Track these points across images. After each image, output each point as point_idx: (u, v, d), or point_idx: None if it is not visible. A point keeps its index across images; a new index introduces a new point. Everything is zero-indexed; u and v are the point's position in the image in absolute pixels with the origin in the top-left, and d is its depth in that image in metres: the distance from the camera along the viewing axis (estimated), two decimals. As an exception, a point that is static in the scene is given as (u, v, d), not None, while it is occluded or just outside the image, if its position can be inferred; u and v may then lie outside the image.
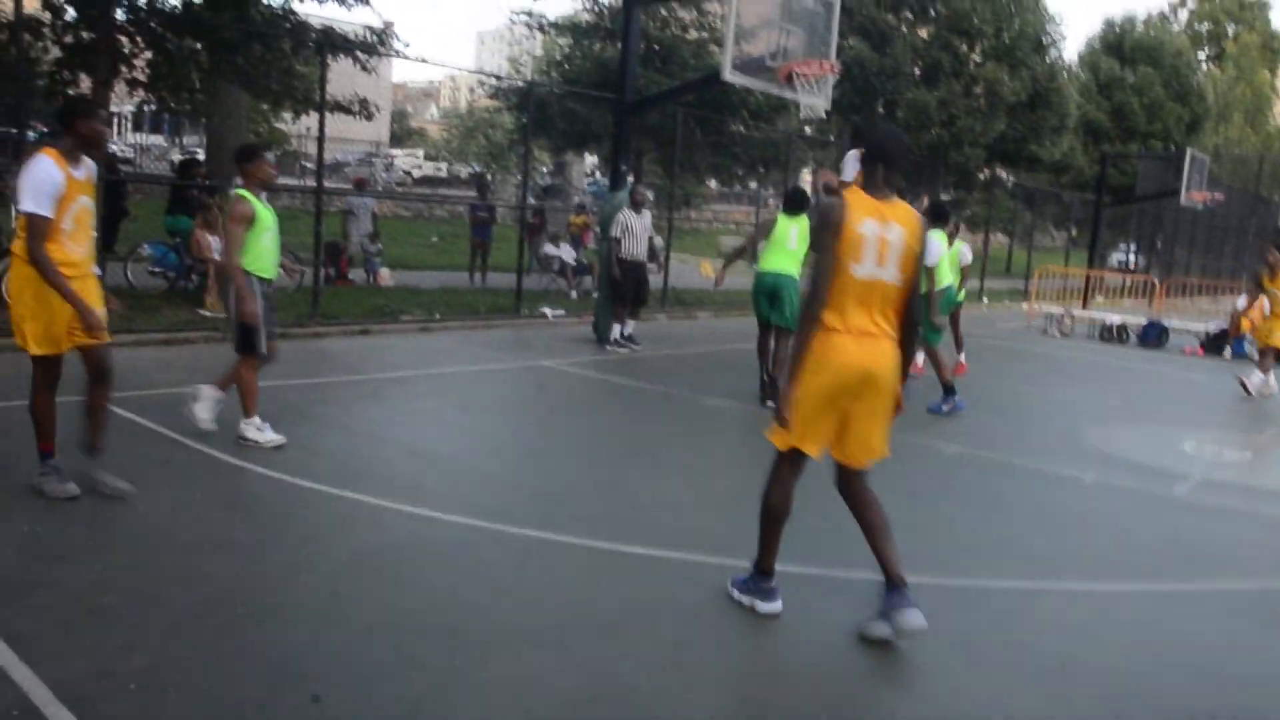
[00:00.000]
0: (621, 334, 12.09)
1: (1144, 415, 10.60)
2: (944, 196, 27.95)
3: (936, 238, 9.51)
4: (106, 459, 5.37)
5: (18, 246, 4.90)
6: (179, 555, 4.51)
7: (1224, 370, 15.31)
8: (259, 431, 6.46)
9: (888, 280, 4.09)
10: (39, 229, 4.79)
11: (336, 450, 6.57)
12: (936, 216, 9.97)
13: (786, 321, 8.82)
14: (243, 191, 6.36)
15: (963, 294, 11.70)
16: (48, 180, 4.80)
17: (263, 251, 6.44)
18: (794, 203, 9.41)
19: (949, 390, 9.62)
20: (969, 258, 11.57)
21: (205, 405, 6.57)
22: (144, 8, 11.13)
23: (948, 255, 10.53)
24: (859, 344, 4.07)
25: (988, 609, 4.76)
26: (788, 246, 9.14)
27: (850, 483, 4.43)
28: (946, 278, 10.15)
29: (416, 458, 6.61)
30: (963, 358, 11.85)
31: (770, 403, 8.94)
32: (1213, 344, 17.28)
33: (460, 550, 4.92)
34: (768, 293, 9.13)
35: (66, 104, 5.15)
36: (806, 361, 4.07)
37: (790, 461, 4.34)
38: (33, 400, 5.21)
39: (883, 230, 4.05)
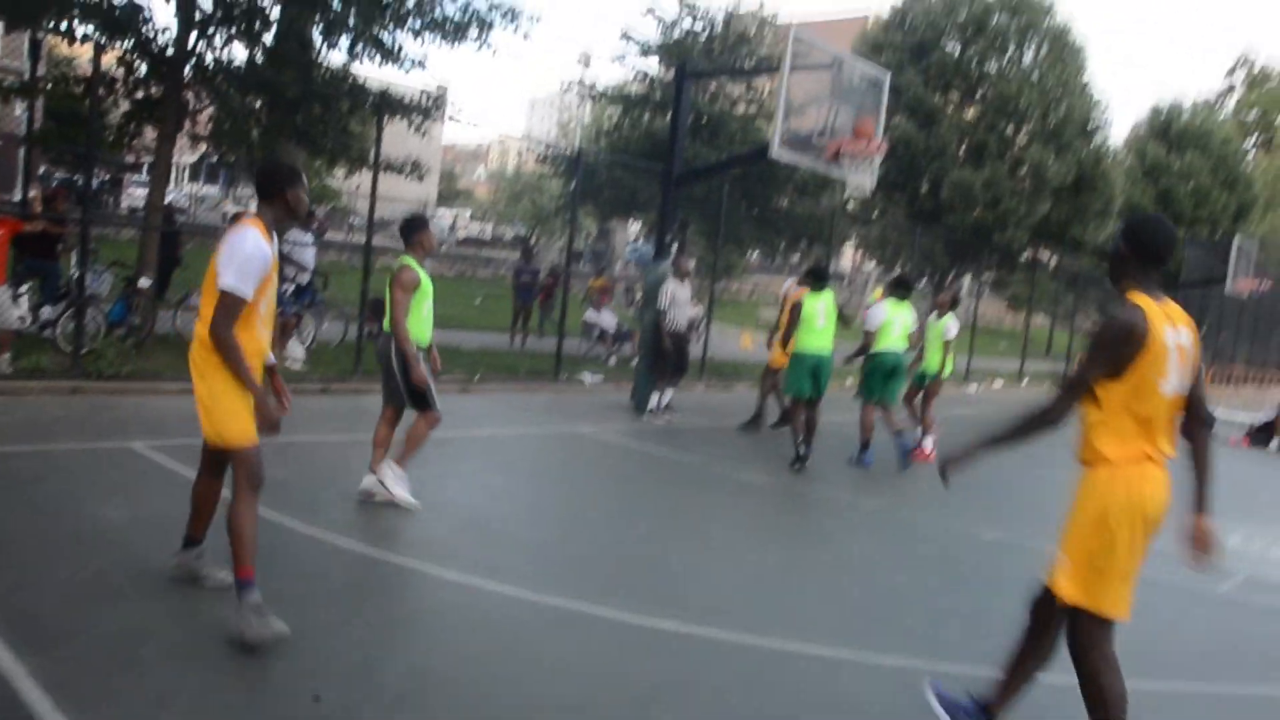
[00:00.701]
0: (659, 403, 12.11)
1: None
2: (934, 274, 27.89)
3: (885, 306, 10.32)
4: (145, 506, 5.44)
5: (201, 328, 4.32)
6: (215, 606, 4.53)
7: (1270, 462, 15.01)
8: (396, 484, 6.63)
9: (1181, 393, 3.70)
10: (233, 310, 4.22)
11: (372, 509, 6.60)
12: (816, 278, 10.19)
13: (819, 393, 9.64)
14: (409, 259, 6.60)
15: (949, 369, 11.57)
16: (257, 257, 4.24)
17: (423, 318, 6.66)
18: (818, 278, 9.95)
19: (865, 446, 10.30)
20: (954, 333, 11.44)
21: (397, 483, 6.63)
22: (210, 65, 11.50)
23: (936, 328, 11.11)
24: (1157, 476, 3.73)
25: (1031, 704, 4.65)
26: (817, 325, 9.64)
27: (1102, 641, 3.84)
28: (889, 341, 10.36)
29: (452, 521, 6.62)
30: (928, 443, 11.09)
31: (797, 465, 9.49)
32: (1259, 435, 16.97)
33: (493, 617, 4.90)
34: (811, 371, 9.57)
35: (271, 169, 4.55)
36: (1095, 507, 3.71)
37: (1100, 625, 3.80)
38: (236, 511, 4.38)
39: (1177, 336, 3.61)
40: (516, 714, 3.88)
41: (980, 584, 6.65)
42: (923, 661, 4.96)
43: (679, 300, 12.03)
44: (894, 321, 10.24)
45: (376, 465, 6.70)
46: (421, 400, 6.67)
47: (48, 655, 3.87)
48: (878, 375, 10.10)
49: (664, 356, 11.98)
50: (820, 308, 9.70)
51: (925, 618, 5.69)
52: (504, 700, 3.99)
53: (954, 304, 11.66)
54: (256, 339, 4.46)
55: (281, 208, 4.49)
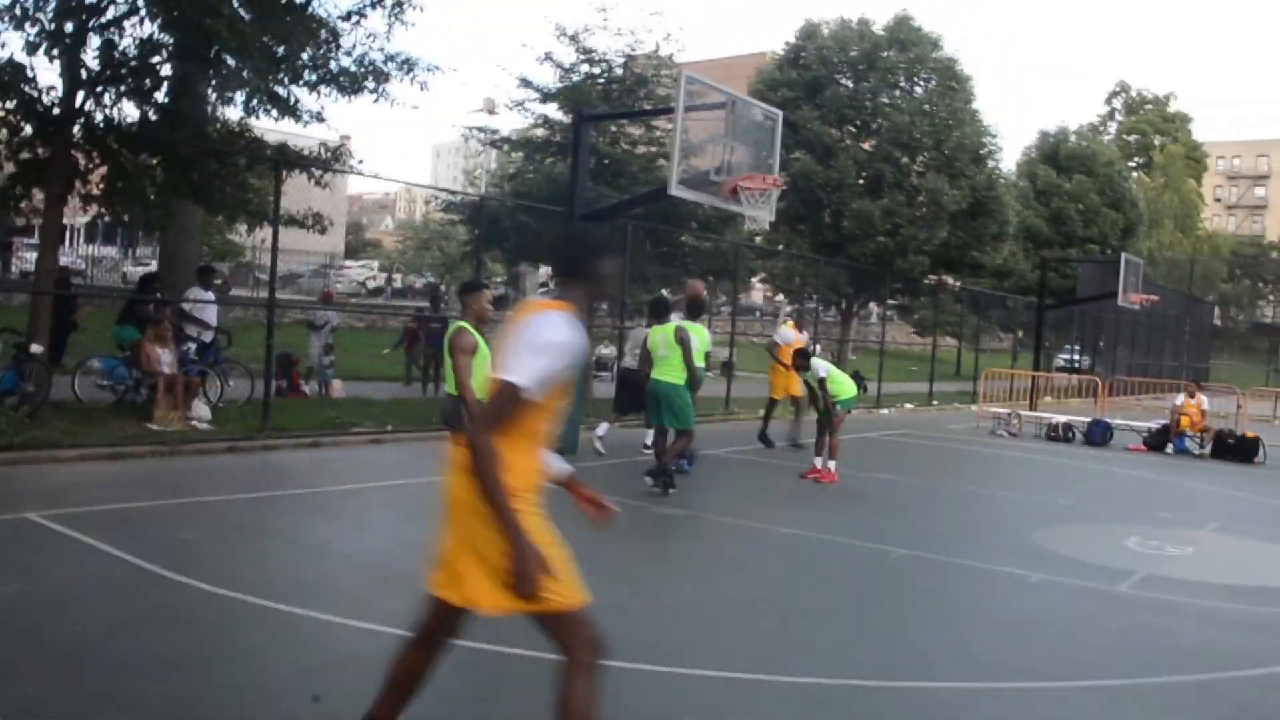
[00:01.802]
0: (601, 440, 12.54)
1: (1089, 514, 10.78)
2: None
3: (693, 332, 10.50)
4: (41, 577, 5.28)
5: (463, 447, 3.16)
6: (117, 676, 4.42)
7: (1167, 466, 15.63)
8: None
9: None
10: (508, 409, 3.13)
11: (283, 565, 6.50)
12: (657, 312, 10.92)
13: (674, 423, 9.97)
14: (464, 324, 6.92)
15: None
16: (569, 350, 3.17)
17: (482, 381, 6.63)
18: (658, 312, 10.73)
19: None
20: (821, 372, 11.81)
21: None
22: (100, 125, 11.28)
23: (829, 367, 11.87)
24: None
25: (933, 711, 4.78)
26: (659, 355, 10.09)
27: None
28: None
29: (365, 572, 6.56)
30: (833, 466, 11.52)
31: (649, 479, 9.71)
32: (1155, 440, 17.67)
33: (407, 664, 4.87)
34: (654, 401, 10.14)
35: (580, 241, 3.62)
36: None
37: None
38: (574, 693, 3.31)
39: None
40: (431, 758, 3.85)
41: (890, 599, 6.81)
42: (836, 679, 5.07)
43: (634, 339, 13.10)
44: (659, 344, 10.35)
45: None
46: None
47: (-63, 735, 3.74)
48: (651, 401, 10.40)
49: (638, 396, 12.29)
50: (661, 340, 10.13)
51: (838, 636, 5.81)
52: (418, 745, 3.96)
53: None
54: (528, 460, 3.32)
55: (596, 289, 3.43)
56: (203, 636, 5.05)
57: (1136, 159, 64.80)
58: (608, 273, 3.42)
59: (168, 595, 5.66)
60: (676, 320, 10.54)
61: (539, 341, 3.15)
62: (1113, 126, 68.76)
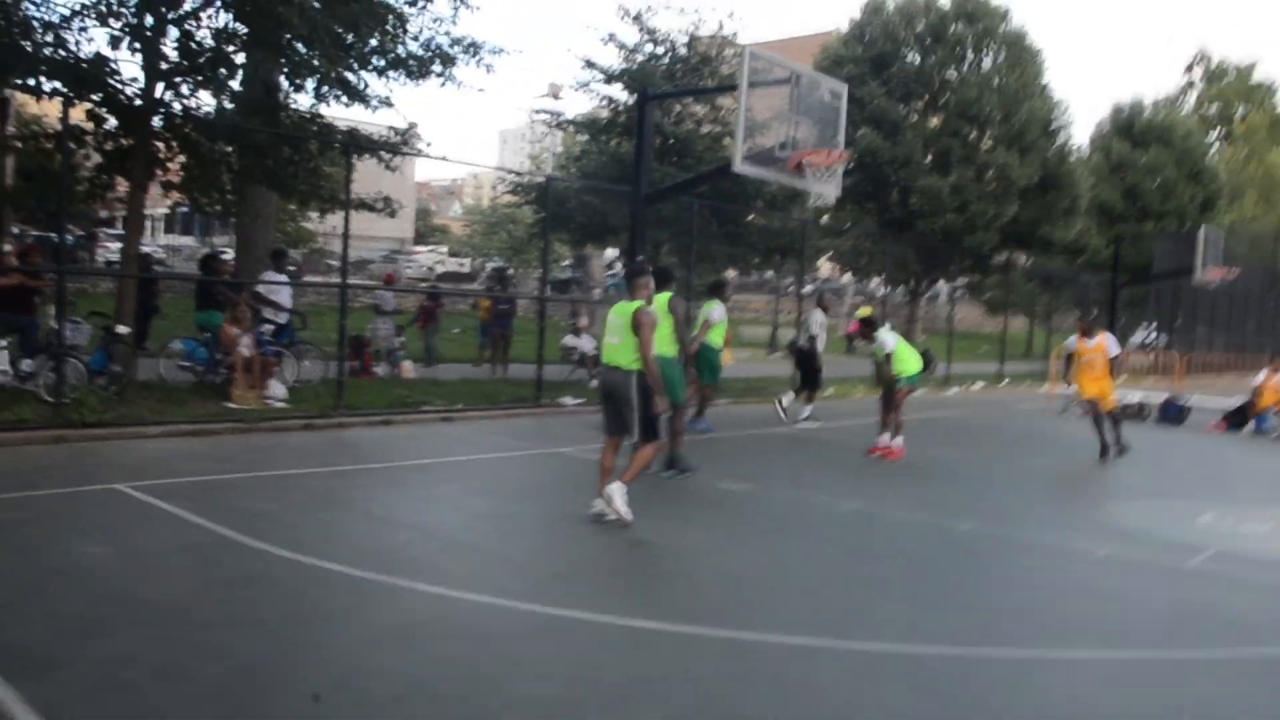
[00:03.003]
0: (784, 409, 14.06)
1: (1161, 490, 10.60)
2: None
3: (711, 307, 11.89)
4: (130, 542, 5.53)
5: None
6: (202, 632, 4.65)
7: (1242, 445, 15.25)
8: (622, 503, 7.25)
9: None
10: None
11: (356, 534, 6.72)
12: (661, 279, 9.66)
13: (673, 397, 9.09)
14: (638, 303, 7.39)
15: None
16: None
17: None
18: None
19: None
20: (890, 345, 11.84)
21: (620, 500, 7.26)
22: (179, 115, 11.65)
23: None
24: None
25: (994, 677, 4.80)
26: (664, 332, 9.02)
27: None
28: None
29: (435, 540, 6.75)
30: (899, 441, 11.70)
31: (667, 472, 9.38)
32: (1233, 419, 17.21)
33: (476, 626, 5.03)
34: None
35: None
36: None
37: None
38: None
39: None
40: (497, 713, 4.00)
41: (953, 571, 6.80)
42: (897, 645, 5.11)
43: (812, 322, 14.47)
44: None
45: (603, 489, 7.31)
46: (651, 429, 7.42)
47: (39, 682, 3.98)
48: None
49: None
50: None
51: (900, 605, 5.84)
52: (485, 701, 4.11)
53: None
54: None
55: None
56: (281, 598, 5.27)
57: (1218, 130, 62.73)
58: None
59: (248, 560, 5.91)
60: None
61: None
62: (1192, 97, 66.54)
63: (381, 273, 32.87)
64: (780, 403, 14.29)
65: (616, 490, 7.26)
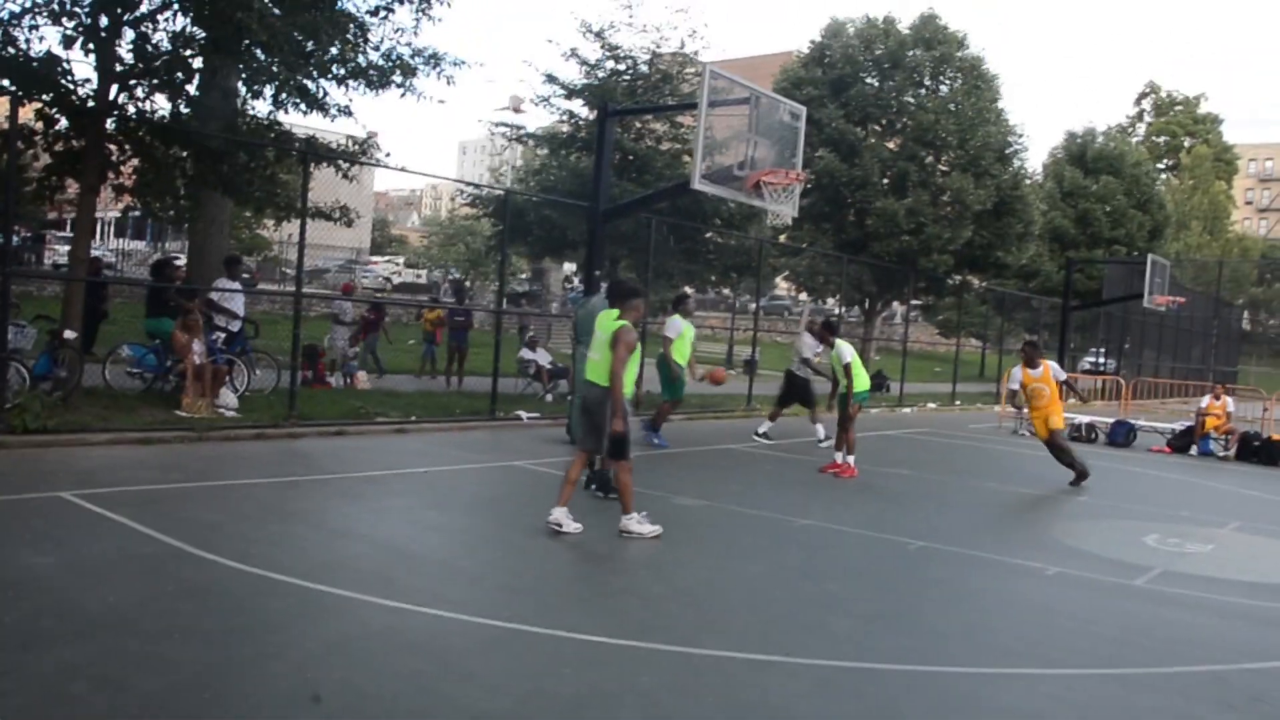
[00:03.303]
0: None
1: (1109, 511, 10.77)
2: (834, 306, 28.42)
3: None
4: (74, 552, 5.41)
5: None
6: (147, 643, 4.56)
7: (1189, 467, 15.56)
8: (640, 524, 7.43)
9: None
10: None
11: (307, 545, 6.63)
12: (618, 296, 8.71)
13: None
14: (625, 322, 7.38)
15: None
16: None
17: (633, 376, 7.47)
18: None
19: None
20: (846, 357, 12.04)
21: (635, 526, 7.45)
22: (133, 117, 11.48)
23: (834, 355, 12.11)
24: None
25: (944, 694, 4.84)
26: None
27: None
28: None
29: (387, 552, 6.68)
30: (851, 460, 11.80)
31: (597, 490, 8.97)
32: (1179, 441, 17.57)
33: (429, 639, 4.98)
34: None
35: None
36: None
37: None
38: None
39: None
40: (450, 726, 3.96)
41: (905, 588, 6.86)
42: (849, 662, 5.14)
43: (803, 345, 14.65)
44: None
45: (565, 501, 7.42)
46: (622, 449, 7.39)
47: (-24, 694, 3.87)
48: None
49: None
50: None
51: (852, 622, 5.87)
52: (437, 715, 4.08)
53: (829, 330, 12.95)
54: None
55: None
56: (229, 610, 5.18)
57: (1165, 160, 64.27)
58: None
59: (195, 571, 5.80)
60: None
61: None
62: (1141, 128, 68.20)
63: (338, 282, 32.62)
64: (759, 434, 14.34)
65: (629, 522, 7.45)
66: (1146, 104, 70.11)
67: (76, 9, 10.46)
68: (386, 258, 56.94)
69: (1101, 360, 36.63)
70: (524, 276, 41.57)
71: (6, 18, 10.48)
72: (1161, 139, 66.56)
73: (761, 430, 14.33)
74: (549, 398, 16.98)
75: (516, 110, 45.76)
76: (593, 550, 7.22)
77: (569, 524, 7.36)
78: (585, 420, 7.68)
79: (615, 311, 7.52)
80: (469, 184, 22.76)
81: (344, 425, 12.01)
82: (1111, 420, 18.76)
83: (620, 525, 7.45)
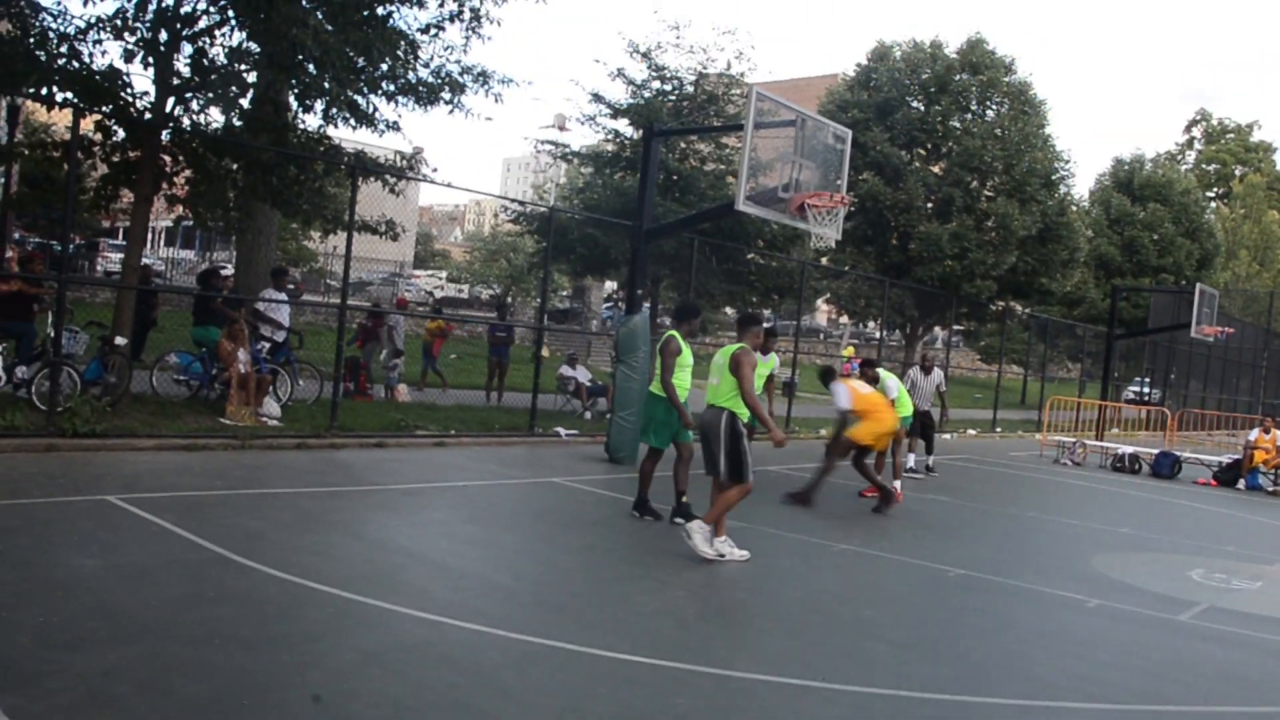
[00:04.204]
0: None
1: (1153, 544, 10.59)
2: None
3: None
4: (119, 555, 5.49)
5: None
6: (189, 648, 4.62)
7: (1236, 502, 15.26)
8: (718, 545, 7.55)
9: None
10: None
11: (347, 556, 6.69)
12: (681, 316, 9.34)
13: (648, 440, 9.07)
14: (748, 346, 7.82)
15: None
16: None
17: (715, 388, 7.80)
18: (681, 316, 9.24)
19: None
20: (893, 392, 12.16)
21: (699, 538, 7.49)
22: (187, 130, 11.72)
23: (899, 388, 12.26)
24: None
25: None
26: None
27: None
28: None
29: (425, 565, 6.72)
30: (897, 485, 11.90)
31: (678, 519, 8.60)
32: (1225, 475, 17.24)
33: (465, 653, 5.00)
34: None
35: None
36: None
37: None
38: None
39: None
40: (484, 741, 3.97)
41: (944, 616, 6.78)
42: (885, 689, 5.09)
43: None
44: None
45: (721, 531, 7.68)
46: (738, 471, 7.62)
47: (22, 694, 3.94)
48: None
49: None
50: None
51: (889, 649, 5.81)
52: (472, 729, 4.09)
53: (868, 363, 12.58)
54: None
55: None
56: (269, 617, 5.23)
57: (1215, 189, 63.32)
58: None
59: (237, 577, 5.88)
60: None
61: None
62: (1191, 156, 67.30)
63: (381, 296, 32.95)
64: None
65: (696, 529, 7.50)
66: (1197, 131, 69.21)
67: (138, 24, 10.71)
68: (429, 272, 57.44)
69: (1146, 390, 36.09)
70: (565, 294, 41.73)
71: (73, 33, 10.77)
72: (1212, 167, 65.62)
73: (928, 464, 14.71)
74: (588, 415, 17.02)
75: (561, 128, 46.09)
76: (629, 570, 7.22)
77: (733, 551, 7.56)
78: (703, 444, 7.92)
79: (741, 344, 7.92)
80: (513, 200, 22.89)
81: (384, 437, 12.12)
82: (1156, 451, 18.46)
83: (687, 529, 7.57)
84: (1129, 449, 18.76)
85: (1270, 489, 16.66)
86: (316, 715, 4.04)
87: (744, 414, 7.70)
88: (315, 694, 3.88)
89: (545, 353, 17.08)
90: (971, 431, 24.21)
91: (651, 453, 9.15)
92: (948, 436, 22.37)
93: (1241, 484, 16.92)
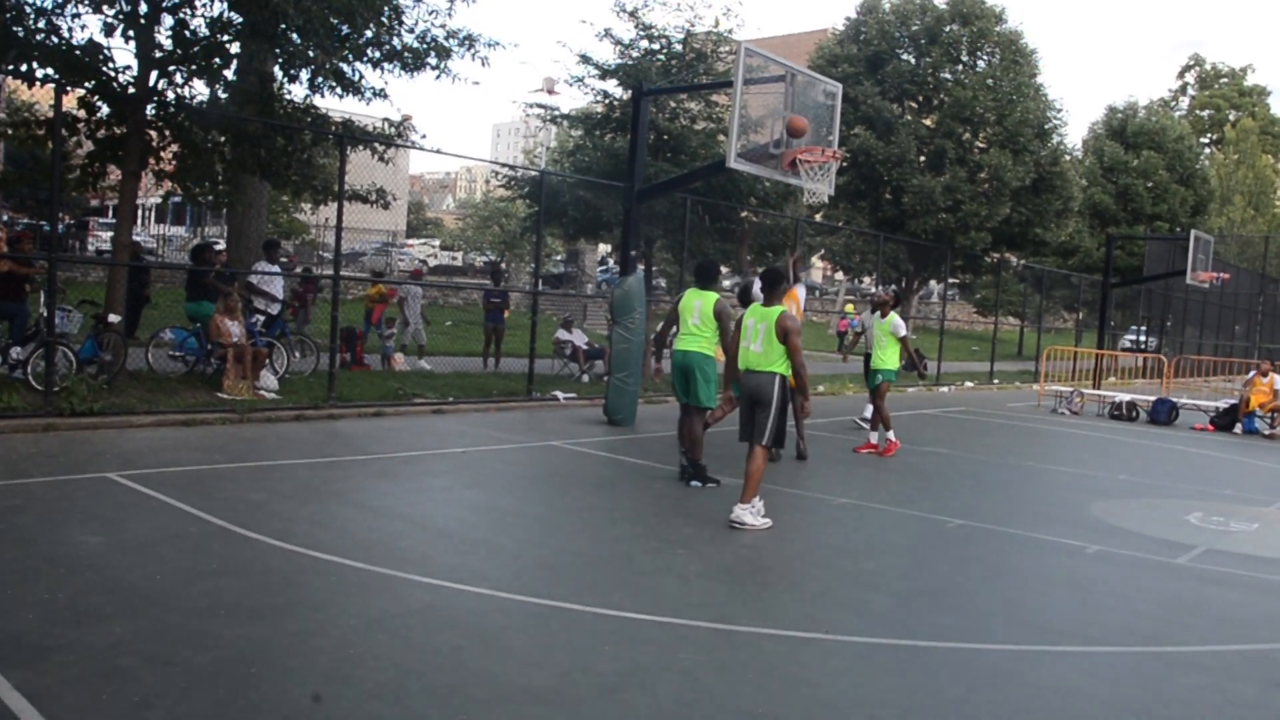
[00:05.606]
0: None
1: (1150, 489, 10.64)
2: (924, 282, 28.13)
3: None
4: (121, 531, 5.51)
5: None
6: (194, 620, 4.64)
7: (1233, 446, 15.32)
8: (755, 516, 7.41)
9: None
10: None
11: (348, 524, 6.71)
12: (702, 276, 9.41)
13: (697, 400, 9.01)
14: (787, 309, 7.57)
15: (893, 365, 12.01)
16: None
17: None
18: (702, 276, 9.34)
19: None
20: (902, 330, 12.06)
21: (750, 518, 7.38)
22: (172, 103, 11.60)
23: (882, 326, 11.85)
24: None
25: (984, 671, 4.82)
26: (690, 321, 9.09)
27: None
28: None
29: (426, 531, 6.74)
30: (890, 436, 11.80)
31: (695, 482, 8.87)
32: (1222, 420, 17.31)
33: (469, 617, 5.03)
34: (679, 372, 9.18)
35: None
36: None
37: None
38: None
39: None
40: (489, 703, 4.00)
41: (945, 565, 6.83)
42: (888, 639, 5.13)
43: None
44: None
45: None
46: (778, 435, 7.57)
47: (30, 669, 3.97)
48: (674, 376, 9.36)
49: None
50: (697, 305, 9.09)
51: (891, 599, 5.85)
52: (477, 691, 4.12)
53: (895, 303, 12.53)
54: None
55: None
56: (272, 587, 5.26)
57: (1210, 135, 63.01)
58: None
59: (239, 549, 5.90)
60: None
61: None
62: (1185, 101, 66.85)
63: (374, 265, 32.85)
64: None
65: (742, 511, 7.37)
66: (1190, 77, 68.69)
67: (117, -3, 10.57)
68: (422, 240, 57.21)
69: (1143, 338, 36.13)
70: (559, 258, 41.59)
71: (50, 6, 10.63)
72: (1205, 113, 65.21)
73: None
74: (585, 378, 17.03)
75: (550, 91, 45.73)
76: (630, 529, 7.25)
77: (749, 521, 7.39)
78: (745, 409, 7.65)
79: (779, 308, 7.60)
80: (504, 165, 22.72)
81: (382, 406, 12.13)
82: (1153, 398, 18.51)
83: (735, 518, 7.35)
84: (1126, 397, 18.81)
85: (1267, 432, 16.73)
86: (321, 684, 4.07)
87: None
88: (315, 694, 3.91)
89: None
90: (969, 384, 24.26)
91: (696, 414, 9.00)
92: (945, 389, 22.42)
93: (1238, 428, 17.00)
